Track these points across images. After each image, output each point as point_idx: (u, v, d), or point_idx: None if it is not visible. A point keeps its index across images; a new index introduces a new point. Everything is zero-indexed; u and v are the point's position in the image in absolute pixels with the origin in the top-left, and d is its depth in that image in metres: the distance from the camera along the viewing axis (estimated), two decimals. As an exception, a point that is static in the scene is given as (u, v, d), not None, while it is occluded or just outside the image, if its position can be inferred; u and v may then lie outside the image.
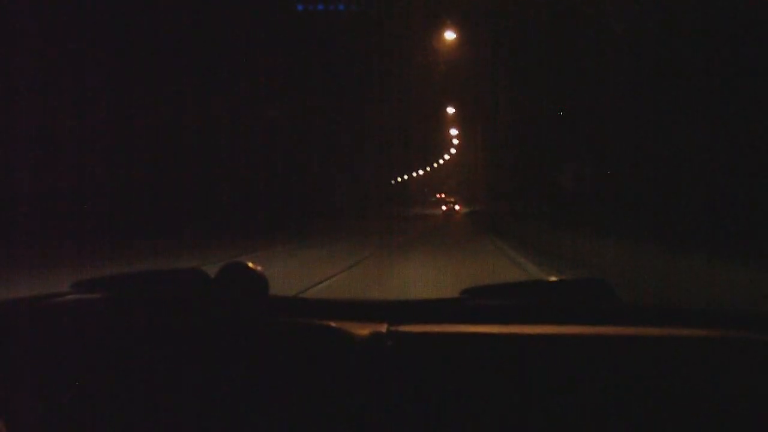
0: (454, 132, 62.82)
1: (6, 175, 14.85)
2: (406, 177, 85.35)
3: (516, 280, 1.45)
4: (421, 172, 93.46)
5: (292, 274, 9.12)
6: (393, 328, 1.19)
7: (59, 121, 16.98)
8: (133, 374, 1.15)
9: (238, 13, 25.17)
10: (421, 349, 1.15)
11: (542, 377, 1.07)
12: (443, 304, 1.37)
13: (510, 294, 1.34)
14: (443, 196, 78.98)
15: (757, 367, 1.06)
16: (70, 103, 17.18)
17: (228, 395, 1.10)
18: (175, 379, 1.15)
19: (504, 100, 29.50)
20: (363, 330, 1.18)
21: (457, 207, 53.17)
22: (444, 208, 52.75)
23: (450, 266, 10.86)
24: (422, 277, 9.26)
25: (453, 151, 79.19)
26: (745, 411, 1.00)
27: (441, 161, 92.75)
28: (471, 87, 38.13)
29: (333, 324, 1.20)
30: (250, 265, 1.29)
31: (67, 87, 17.14)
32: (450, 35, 31.83)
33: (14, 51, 15.27)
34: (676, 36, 11.72)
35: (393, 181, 77.48)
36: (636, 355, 1.10)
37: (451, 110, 52.49)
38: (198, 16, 22.68)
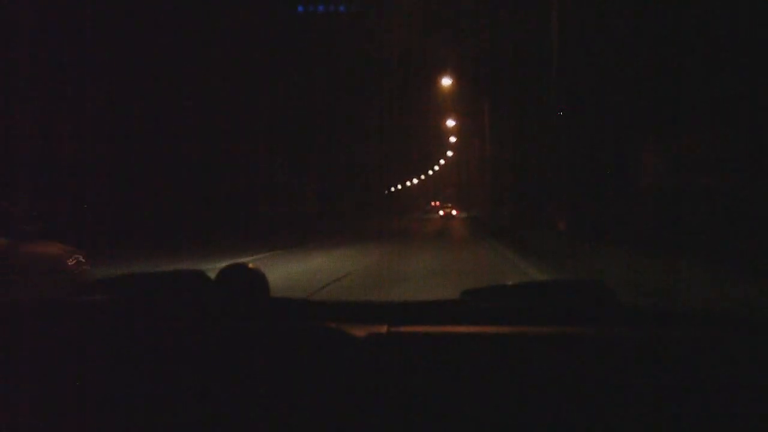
0: (451, 123, 54.02)
1: (6, 174, 14.37)
2: (400, 186, 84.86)
3: (516, 282, 1.44)
4: (415, 181, 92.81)
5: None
6: (393, 330, 1.19)
7: (57, 123, 16.56)
8: (133, 376, 1.15)
9: (239, 14, 24.82)
10: (421, 350, 1.15)
11: (542, 378, 1.07)
12: (443, 305, 1.36)
13: (510, 295, 1.35)
14: (438, 204, 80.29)
15: (756, 367, 1.07)
16: (69, 104, 16.77)
17: (228, 396, 1.10)
18: (176, 380, 1.15)
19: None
20: (363, 331, 1.18)
21: (454, 212, 59.94)
22: (441, 213, 59.63)
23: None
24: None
25: (450, 153, 77.70)
26: (745, 410, 1.01)
27: (436, 167, 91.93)
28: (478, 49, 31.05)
29: (333, 325, 1.20)
30: (251, 266, 1.29)
31: (65, 87, 16.76)
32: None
33: (13, 52, 14.86)
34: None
35: (387, 191, 76.86)
36: (635, 355, 1.10)
37: (447, 81, 39.74)
38: (198, 16, 22.27)
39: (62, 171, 16.57)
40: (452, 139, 64.70)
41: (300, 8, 29.49)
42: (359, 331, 1.18)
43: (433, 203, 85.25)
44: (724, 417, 1.00)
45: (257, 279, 1.27)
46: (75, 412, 1.11)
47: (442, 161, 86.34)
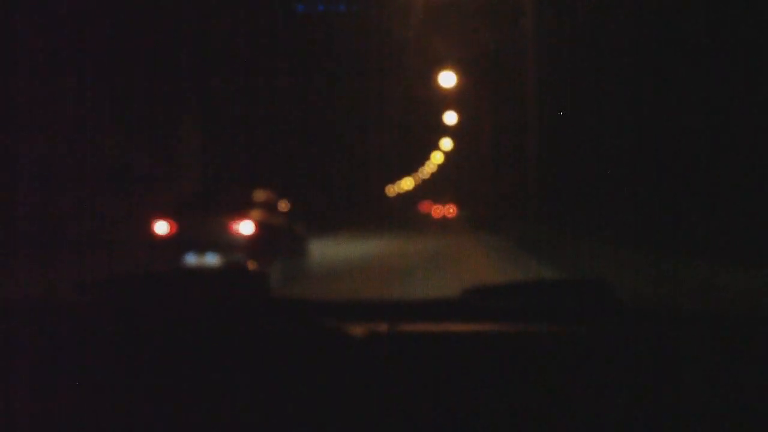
0: (450, 81, 38.42)
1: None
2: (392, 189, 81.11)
3: (517, 280, 1.42)
4: (410, 184, 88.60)
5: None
6: (393, 328, 1.19)
7: (56, 121, 16.25)
8: (132, 375, 1.15)
9: (237, 13, 24.61)
10: (421, 348, 1.15)
11: (543, 377, 1.07)
12: (444, 303, 1.36)
13: (511, 293, 1.34)
14: (428, 204, 66.67)
15: (757, 367, 1.07)
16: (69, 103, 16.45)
17: (228, 395, 1.10)
18: (175, 379, 1.14)
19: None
20: (363, 329, 1.18)
21: (451, 211, 53.62)
22: (434, 214, 53.49)
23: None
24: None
25: (447, 145, 68.55)
26: (746, 410, 1.00)
27: (431, 165, 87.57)
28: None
29: (333, 324, 1.20)
30: (251, 265, 1.46)
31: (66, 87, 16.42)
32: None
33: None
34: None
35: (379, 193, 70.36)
36: (636, 354, 1.10)
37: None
38: (196, 14, 22.03)
39: None
40: (451, 121, 52.26)
41: (300, 7, 29.43)
42: (359, 330, 1.18)
43: (421, 205, 69.08)
44: (725, 417, 1.00)
45: (257, 278, 1.26)
46: (72, 412, 1.11)
47: (438, 154, 77.92)
